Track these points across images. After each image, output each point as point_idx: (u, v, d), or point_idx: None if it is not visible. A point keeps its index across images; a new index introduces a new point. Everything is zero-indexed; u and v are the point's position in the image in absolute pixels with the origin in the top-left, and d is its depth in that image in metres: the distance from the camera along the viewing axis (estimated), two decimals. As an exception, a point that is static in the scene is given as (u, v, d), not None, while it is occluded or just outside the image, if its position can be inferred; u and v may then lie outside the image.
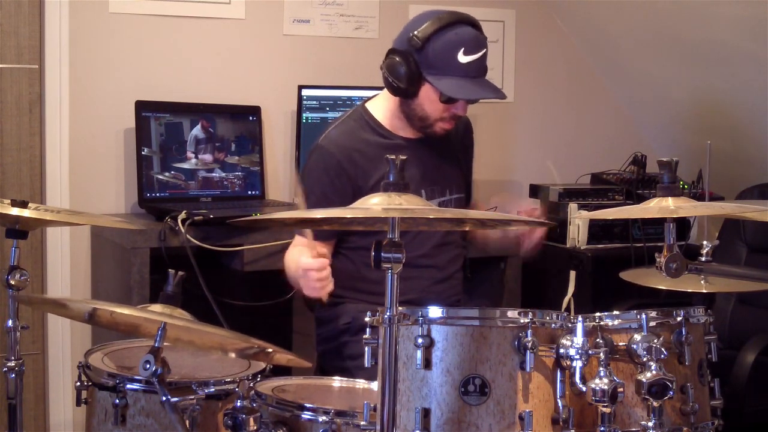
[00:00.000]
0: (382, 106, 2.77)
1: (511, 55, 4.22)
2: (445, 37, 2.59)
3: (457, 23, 2.61)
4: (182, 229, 3.15)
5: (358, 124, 2.75)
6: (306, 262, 2.48)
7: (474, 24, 2.66)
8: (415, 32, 2.59)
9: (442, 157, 2.81)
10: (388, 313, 1.80)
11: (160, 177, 3.49)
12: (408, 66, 2.60)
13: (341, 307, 2.73)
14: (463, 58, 2.59)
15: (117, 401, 2.19)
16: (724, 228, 3.71)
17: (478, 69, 2.63)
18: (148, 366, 1.90)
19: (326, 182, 2.68)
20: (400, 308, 1.82)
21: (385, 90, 2.75)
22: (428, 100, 2.64)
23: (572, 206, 3.79)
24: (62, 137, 3.48)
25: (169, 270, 2.18)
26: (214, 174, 3.60)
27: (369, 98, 2.83)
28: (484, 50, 2.63)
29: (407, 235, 2.64)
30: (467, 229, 2.82)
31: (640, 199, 3.79)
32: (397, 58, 2.62)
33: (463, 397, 1.92)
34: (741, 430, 2.94)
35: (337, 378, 2.38)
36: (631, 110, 4.47)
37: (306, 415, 2.09)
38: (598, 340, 1.98)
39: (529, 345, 1.92)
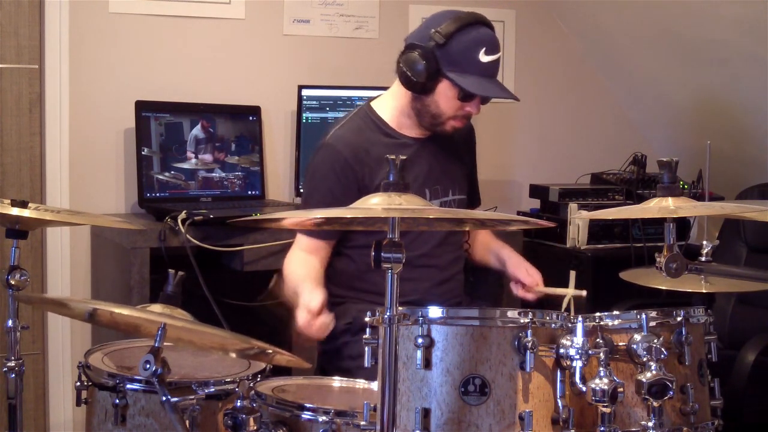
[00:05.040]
0: (388, 105, 2.75)
1: (511, 55, 4.21)
2: (468, 35, 2.59)
3: (477, 23, 2.62)
4: (182, 229, 3.15)
5: (364, 123, 2.74)
6: (305, 306, 2.45)
7: (491, 26, 2.66)
8: (438, 29, 2.57)
9: (447, 158, 2.80)
10: (388, 313, 1.80)
11: (160, 177, 3.49)
12: (428, 61, 2.58)
13: (341, 307, 2.73)
14: (484, 57, 2.59)
15: (117, 401, 2.19)
16: (724, 228, 3.71)
17: (495, 69, 2.64)
18: (148, 366, 1.90)
19: (333, 180, 2.67)
20: (400, 308, 1.82)
21: (392, 88, 2.74)
22: (444, 96, 2.63)
23: (572, 206, 3.79)
24: (62, 137, 3.48)
25: (169, 270, 2.18)
26: (214, 174, 3.60)
27: (373, 98, 2.81)
28: (500, 52, 2.65)
29: (408, 235, 2.64)
30: (467, 229, 2.82)
31: (640, 199, 3.79)
32: (417, 53, 2.59)
33: (463, 397, 1.92)
34: (741, 430, 2.93)
35: (337, 378, 2.38)
36: (631, 110, 4.47)
37: (306, 415, 2.08)
38: (598, 340, 1.98)
39: (529, 345, 1.92)
